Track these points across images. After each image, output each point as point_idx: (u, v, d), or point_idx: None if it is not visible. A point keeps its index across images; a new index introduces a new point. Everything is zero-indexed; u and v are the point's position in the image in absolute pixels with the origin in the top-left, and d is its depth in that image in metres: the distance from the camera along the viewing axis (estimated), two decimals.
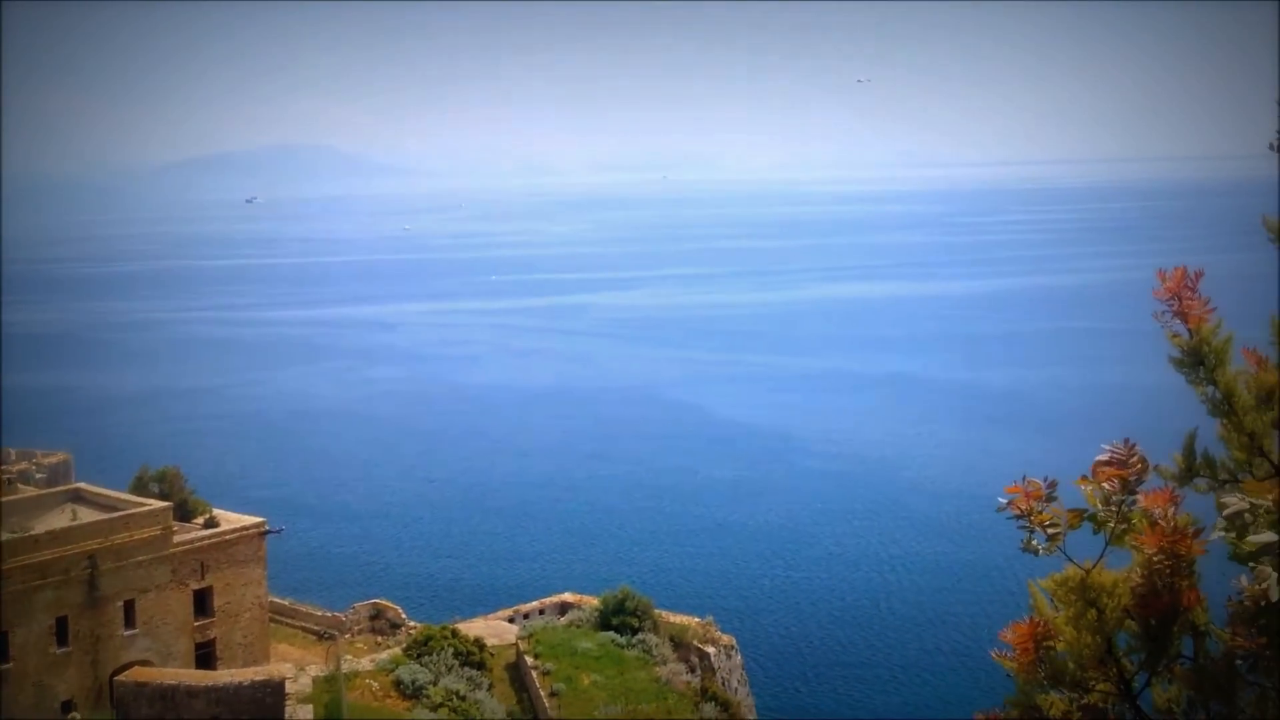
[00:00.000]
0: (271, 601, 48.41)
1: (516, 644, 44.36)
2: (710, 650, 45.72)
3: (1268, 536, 2.99)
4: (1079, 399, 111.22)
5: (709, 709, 41.85)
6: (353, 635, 50.01)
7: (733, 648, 47.58)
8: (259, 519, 46.65)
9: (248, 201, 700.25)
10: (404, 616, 51.67)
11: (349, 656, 43.63)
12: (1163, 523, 3.64)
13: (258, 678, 38.99)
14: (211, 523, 45.50)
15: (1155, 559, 3.57)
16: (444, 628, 44.20)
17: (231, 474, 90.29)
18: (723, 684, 44.91)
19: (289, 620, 51.03)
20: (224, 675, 40.27)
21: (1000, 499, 3.66)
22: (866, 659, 60.08)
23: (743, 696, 46.54)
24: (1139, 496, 3.76)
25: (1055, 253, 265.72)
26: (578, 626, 46.37)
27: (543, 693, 40.60)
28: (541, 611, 50.13)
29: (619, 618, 45.38)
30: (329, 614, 51.73)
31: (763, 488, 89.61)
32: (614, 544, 77.88)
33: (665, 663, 43.42)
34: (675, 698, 41.07)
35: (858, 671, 58.72)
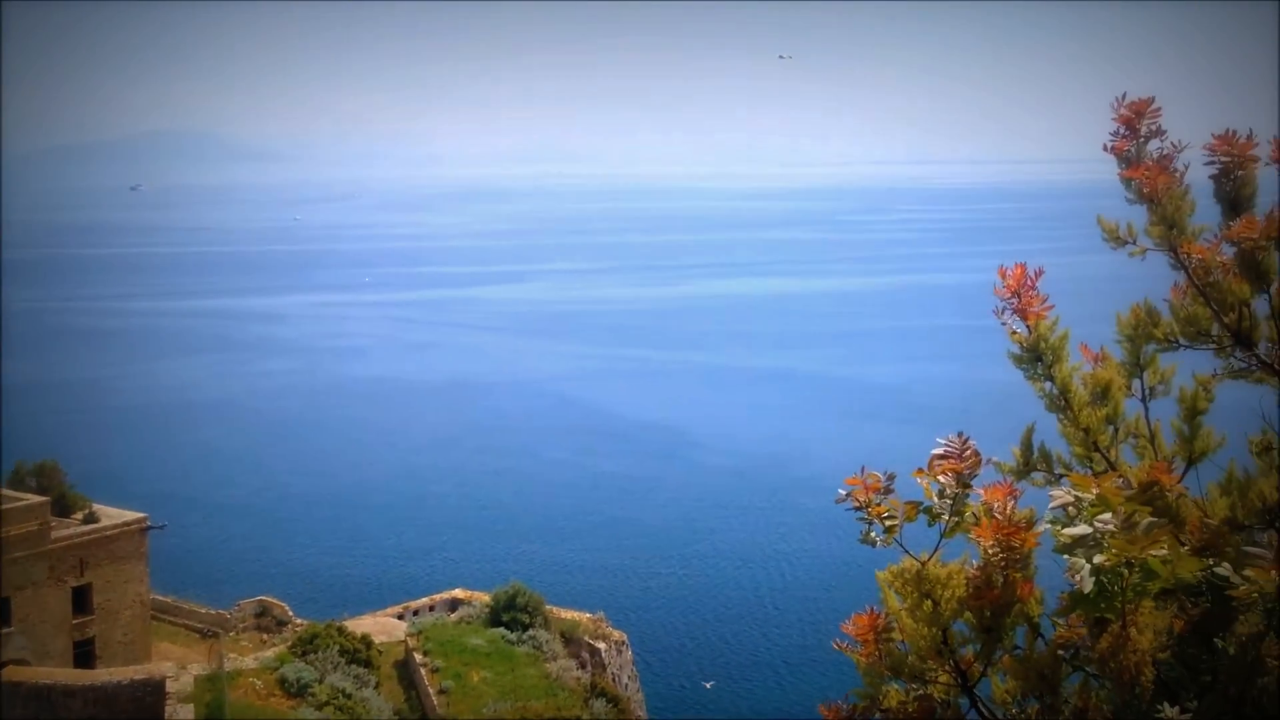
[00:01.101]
0: (154, 599, 47.19)
1: (405, 641, 43.91)
2: (601, 646, 45.81)
3: (1082, 529, 3.08)
4: (957, 393, 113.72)
5: (599, 705, 41.93)
6: (237, 633, 48.99)
7: (623, 643, 47.74)
8: (140, 514, 45.39)
9: (132, 189, 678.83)
10: (290, 614, 50.78)
11: (233, 655, 42.74)
12: (999, 516, 3.73)
13: (137, 677, 37.95)
14: (91, 518, 44.19)
15: (990, 551, 3.66)
16: (330, 625, 43.57)
17: (113, 468, 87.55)
18: (613, 680, 45.04)
19: (172, 618, 49.76)
20: (102, 674, 39.13)
21: (840, 490, 3.72)
22: (754, 655, 60.77)
23: (633, 692, 46.75)
24: (976, 489, 3.85)
25: (939, 250, 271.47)
26: (468, 623, 46.10)
27: (431, 690, 40.26)
28: (431, 608, 49.71)
29: (510, 614, 45.22)
30: (213, 611, 50.57)
31: (654, 483, 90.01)
32: (506, 540, 77.53)
33: (556, 659, 43.38)
34: (565, 694, 41.04)
35: (746, 669, 59.37)
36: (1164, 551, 2.98)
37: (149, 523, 45.16)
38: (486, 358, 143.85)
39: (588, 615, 48.29)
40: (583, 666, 44.35)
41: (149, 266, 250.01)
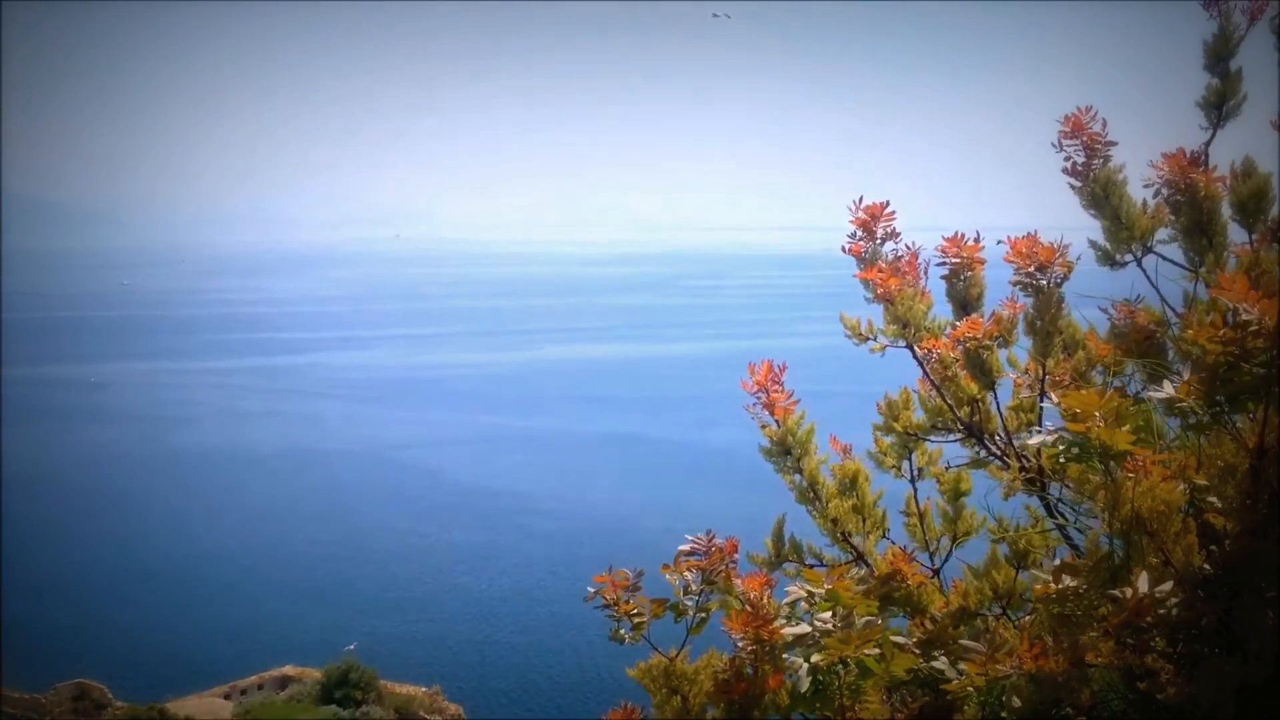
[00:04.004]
0: None
1: None
2: None
3: (801, 628, 3.15)
4: None
5: None
6: (54, 718, 46.57)
7: (459, 718, 46.92)
8: None
9: None
10: (110, 697, 48.47)
11: None
12: (749, 609, 3.78)
13: None
14: None
15: (741, 643, 3.70)
16: (152, 707, 41.85)
17: None
18: None
19: None
20: None
21: (589, 588, 3.74)
22: None
23: None
24: (736, 581, 3.90)
25: (782, 316, 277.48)
26: (298, 701, 44.74)
27: None
28: (260, 686, 48.06)
29: (342, 690, 44.07)
30: (26, 696, 47.91)
31: (494, 550, 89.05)
32: (339, 613, 75.46)
33: None
34: None
35: None
36: (877, 651, 3.07)
37: None
38: (325, 426, 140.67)
39: (423, 689, 47.39)
40: None
41: None
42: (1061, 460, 2.66)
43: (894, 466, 4.94)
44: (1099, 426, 2.54)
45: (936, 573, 4.74)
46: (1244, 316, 2.29)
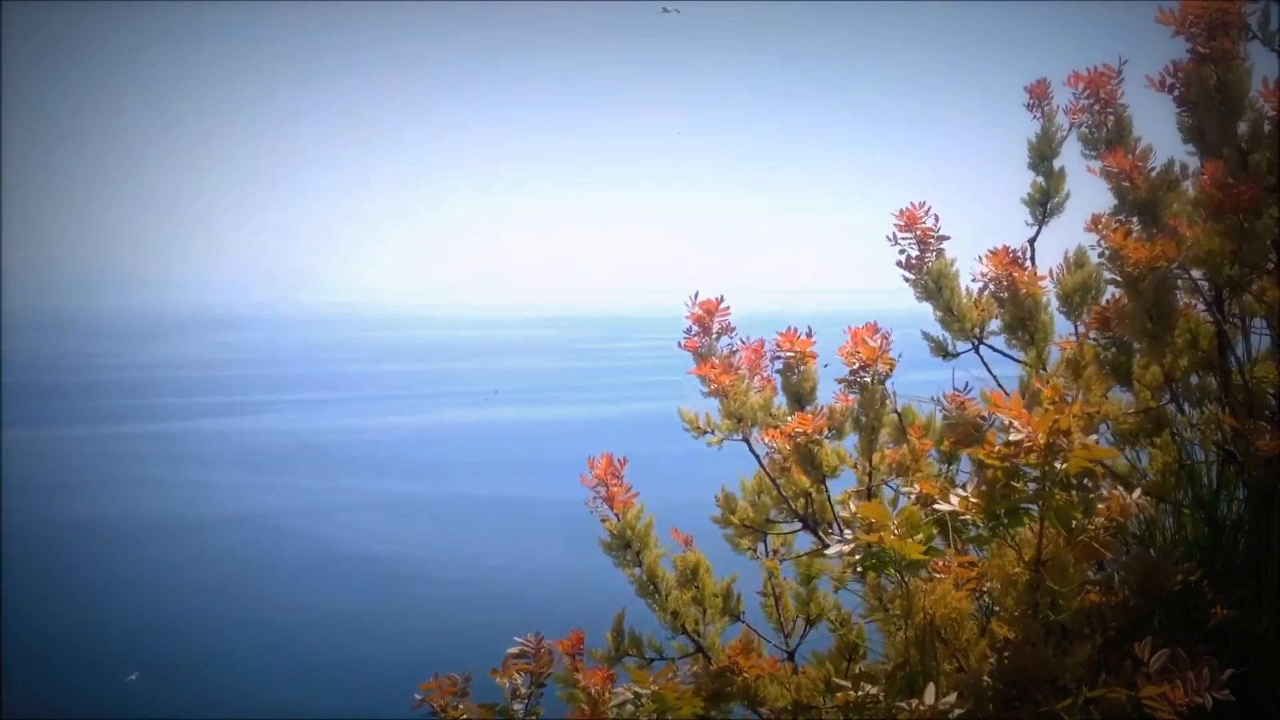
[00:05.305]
0: None
1: None
2: None
3: None
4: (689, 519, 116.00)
5: None
6: None
7: None
8: None
9: None
10: None
11: None
12: (585, 707, 3.77)
13: None
14: None
15: None
16: None
17: None
18: None
19: None
20: None
21: (415, 695, 3.70)
22: None
23: None
24: (578, 675, 3.89)
25: (674, 379, 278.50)
26: None
27: None
28: None
29: None
30: None
31: (381, 619, 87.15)
32: (212, 690, 73.06)
33: None
34: None
35: None
36: None
37: None
38: (212, 494, 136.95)
39: None
40: None
41: None
42: (859, 570, 2.71)
43: (750, 549, 5.00)
44: (892, 536, 2.59)
45: (791, 655, 4.78)
46: (1013, 436, 2.37)
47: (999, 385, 4.53)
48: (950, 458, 4.33)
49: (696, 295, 4.18)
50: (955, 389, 4.43)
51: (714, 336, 4.16)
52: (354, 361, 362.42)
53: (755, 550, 5.11)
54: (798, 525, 4.59)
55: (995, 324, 4.51)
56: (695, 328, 4.16)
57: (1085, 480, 2.44)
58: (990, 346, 4.47)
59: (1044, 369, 4.00)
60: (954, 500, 2.53)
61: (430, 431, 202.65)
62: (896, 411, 4.22)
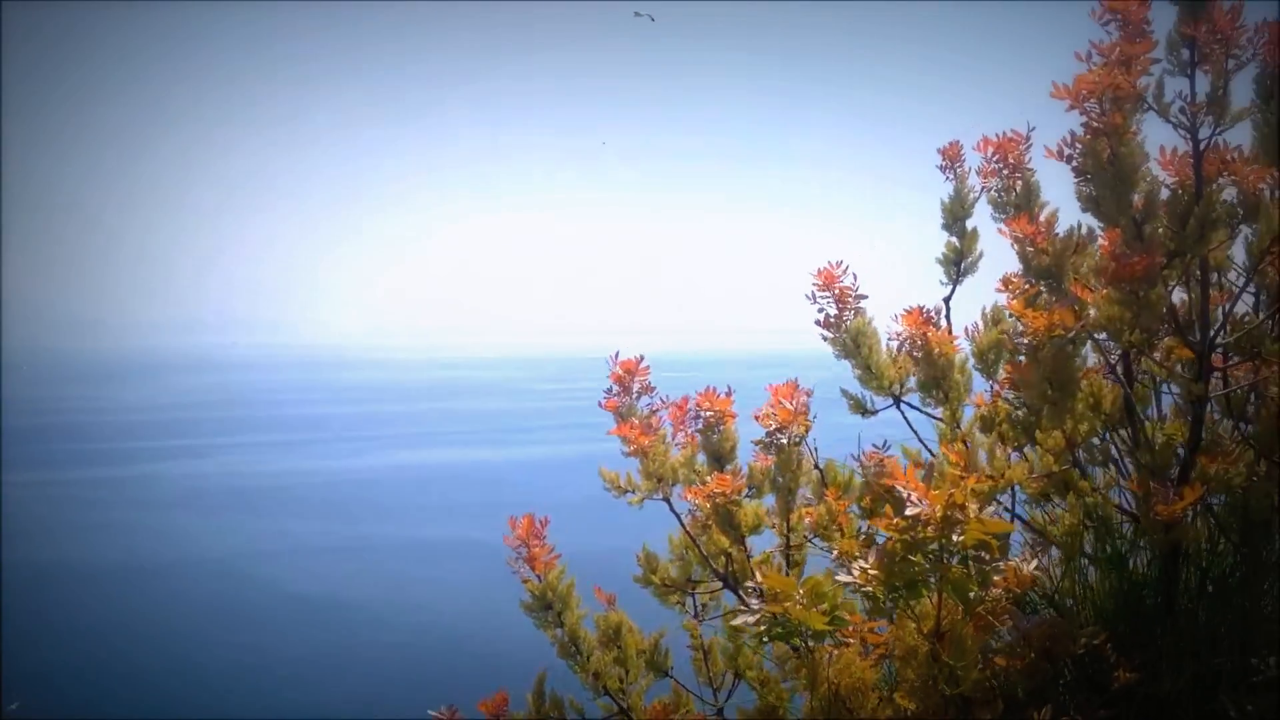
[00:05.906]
0: None
1: None
2: None
3: None
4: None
5: None
6: None
7: None
8: None
9: None
10: None
11: None
12: None
13: None
14: None
15: None
16: None
17: None
18: None
19: None
20: None
21: None
22: None
23: None
24: None
25: None
26: None
27: None
28: None
29: None
30: None
31: (334, 664, 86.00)
32: None
33: None
34: None
35: None
36: None
37: None
38: (164, 538, 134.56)
39: None
40: None
41: None
42: (764, 640, 2.71)
43: (678, 603, 4.98)
44: (798, 606, 2.59)
45: (720, 712, 4.76)
46: (910, 510, 2.38)
47: (919, 441, 4.57)
48: (871, 513, 4.35)
49: (617, 355, 4.19)
50: (874, 445, 4.46)
51: (634, 396, 4.16)
52: (306, 403, 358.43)
53: (684, 604, 5.10)
54: (719, 584, 4.60)
55: (913, 381, 4.55)
56: (616, 387, 4.15)
57: (982, 552, 2.45)
58: (908, 404, 4.50)
59: (958, 426, 4.03)
60: (855, 572, 2.54)
61: (383, 473, 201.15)
62: (818, 467, 4.23)
